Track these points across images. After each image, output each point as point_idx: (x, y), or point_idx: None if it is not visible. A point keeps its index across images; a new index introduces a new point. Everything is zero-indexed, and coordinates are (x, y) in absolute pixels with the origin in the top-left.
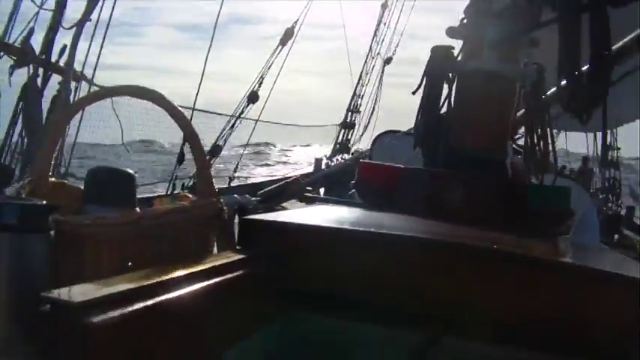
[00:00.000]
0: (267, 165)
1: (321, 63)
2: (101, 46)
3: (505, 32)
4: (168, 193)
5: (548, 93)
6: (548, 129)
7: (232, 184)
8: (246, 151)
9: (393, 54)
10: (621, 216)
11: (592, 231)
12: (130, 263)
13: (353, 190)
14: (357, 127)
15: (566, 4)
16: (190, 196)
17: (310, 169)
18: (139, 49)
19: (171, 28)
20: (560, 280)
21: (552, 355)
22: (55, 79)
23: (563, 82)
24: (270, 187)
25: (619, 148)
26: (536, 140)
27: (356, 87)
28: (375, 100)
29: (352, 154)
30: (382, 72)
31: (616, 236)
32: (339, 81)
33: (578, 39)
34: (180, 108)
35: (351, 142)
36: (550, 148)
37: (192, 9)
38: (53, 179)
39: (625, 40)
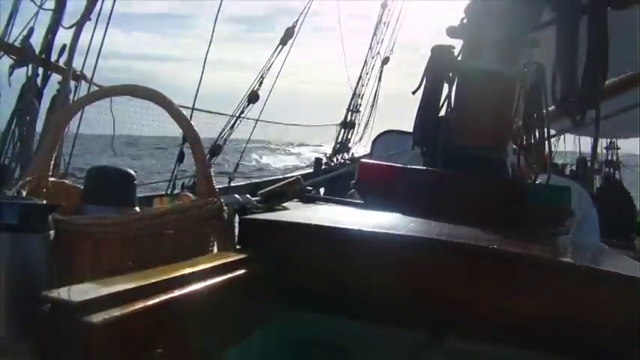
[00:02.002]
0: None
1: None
2: (101, 44)
3: (505, 32)
4: (168, 192)
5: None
6: (546, 128)
7: (232, 184)
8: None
9: (390, 53)
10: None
11: (592, 231)
12: (130, 263)
13: (353, 190)
14: (357, 126)
15: (566, 5)
16: (191, 195)
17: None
18: (189, 41)
19: (221, 21)
20: (560, 279)
21: (553, 355)
22: (55, 78)
23: (558, 83)
24: (270, 188)
25: (619, 148)
26: (533, 139)
27: (356, 87)
28: (374, 99)
29: (352, 154)
30: (381, 72)
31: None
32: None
33: (576, 40)
34: (180, 108)
35: (351, 142)
36: (547, 147)
37: (242, 1)
38: (53, 179)
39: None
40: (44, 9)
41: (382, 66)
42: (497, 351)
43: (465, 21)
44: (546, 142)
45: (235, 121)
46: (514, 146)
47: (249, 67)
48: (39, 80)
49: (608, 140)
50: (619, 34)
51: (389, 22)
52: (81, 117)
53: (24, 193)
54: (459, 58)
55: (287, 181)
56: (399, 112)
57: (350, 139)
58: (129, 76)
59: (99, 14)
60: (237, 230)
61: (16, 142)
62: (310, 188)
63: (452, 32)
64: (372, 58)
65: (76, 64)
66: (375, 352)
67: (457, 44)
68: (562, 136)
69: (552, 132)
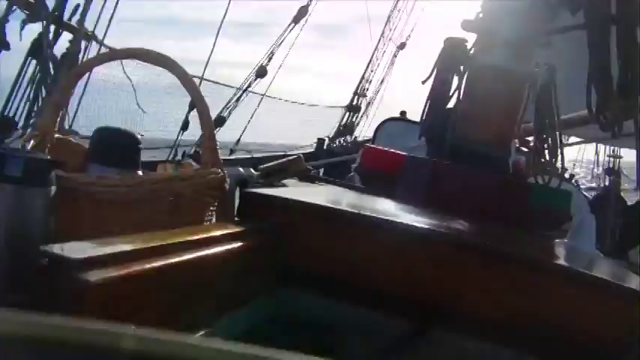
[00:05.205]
0: None
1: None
2: (115, 5)
3: (520, 31)
4: (170, 159)
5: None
6: (557, 131)
7: (233, 157)
8: None
9: (407, 39)
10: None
11: (588, 237)
12: (129, 225)
13: (353, 173)
14: (362, 110)
15: (595, 14)
16: (194, 163)
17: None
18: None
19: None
20: (552, 282)
21: (536, 356)
22: (66, 37)
23: (594, 94)
24: (271, 164)
25: (621, 157)
26: (544, 141)
27: (365, 71)
28: (382, 82)
29: (355, 137)
30: (395, 57)
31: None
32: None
33: (607, 50)
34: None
35: (356, 125)
36: (559, 151)
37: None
38: (58, 135)
39: None
40: None
41: (397, 51)
42: (482, 346)
43: (480, 16)
44: (559, 146)
45: (242, 95)
46: (517, 146)
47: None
48: (50, 37)
49: (612, 148)
50: None
51: (404, 9)
52: (88, 78)
53: (29, 147)
54: (471, 53)
55: (288, 158)
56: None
57: (354, 122)
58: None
59: None
60: (237, 202)
61: (30, 96)
62: (311, 168)
63: (467, 26)
64: (384, 44)
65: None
66: (361, 336)
67: (470, 38)
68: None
69: (577, 139)
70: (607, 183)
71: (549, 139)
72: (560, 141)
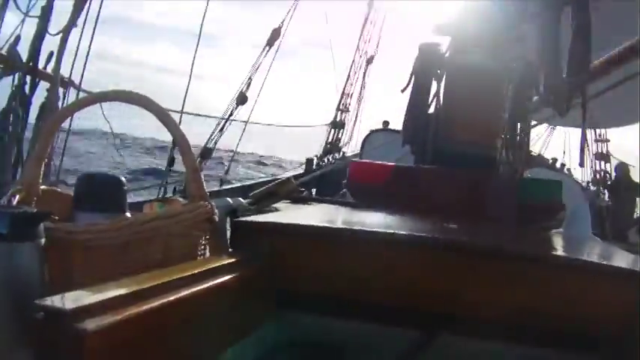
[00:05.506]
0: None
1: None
2: (88, 50)
3: (491, 28)
4: (159, 197)
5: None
6: (528, 122)
7: (224, 187)
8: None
9: (375, 53)
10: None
11: (584, 224)
12: (121, 269)
13: (344, 190)
14: (346, 126)
15: None
16: (181, 199)
17: (301, 170)
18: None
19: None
20: (553, 273)
21: (545, 349)
22: (44, 86)
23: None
24: (261, 189)
25: (608, 140)
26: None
27: (345, 86)
28: (359, 98)
29: (343, 153)
30: (365, 71)
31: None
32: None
33: (558, 31)
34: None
35: (342, 142)
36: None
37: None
38: (44, 187)
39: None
40: (30, 16)
41: (367, 65)
42: (491, 347)
43: (451, 18)
44: (526, 135)
45: (225, 124)
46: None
47: None
48: (27, 88)
49: (597, 132)
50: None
51: (375, 21)
52: (70, 124)
53: (14, 202)
54: (447, 55)
55: (278, 181)
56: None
57: (340, 138)
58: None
59: (98, 16)
60: (229, 233)
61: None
62: (302, 189)
63: (439, 29)
64: (360, 57)
65: (67, 71)
66: (368, 351)
67: (444, 42)
68: (552, 131)
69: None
70: (598, 168)
71: (522, 131)
72: (528, 130)
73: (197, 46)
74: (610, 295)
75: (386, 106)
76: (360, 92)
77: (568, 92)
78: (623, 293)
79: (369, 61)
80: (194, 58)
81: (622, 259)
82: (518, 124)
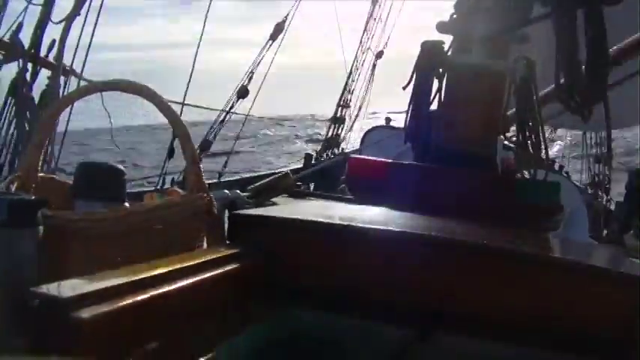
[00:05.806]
0: None
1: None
2: (91, 38)
3: (495, 28)
4: (158, 187)
5: (546, 90)
6: (539, 124)
7: (222, 180)
8: None
9: (384, 48)
10: (611, 211)
11: (581, 226)
12: (119, 258)
13: (343, 185)
14: (347, 122)
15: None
16: (180, 191)
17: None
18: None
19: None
20: (552, 275)
21: (541, 351)
22: (45, 73)
23: (562, 80)
24: (259, 183)
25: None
26: (527, 135)
27: (346, 82)
28: (365, 93)
29: (342, 149)
30: (374, 66)
31: (605, 231)
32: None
33: (575, 35)
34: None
35: (341, 137)
36: (542, 143)
37: None
38: (42, 174)
39: (627, 41)
40: (33, 4)
41: (376, 60)
42: (491, 346)
43: (454, 16)
44: (542, 138)
45: (225, 116)
46: (505, 142)
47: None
48: (28, 76)
49: (598, 136)
50: (620, 34)
51: (380, 17)
52: (70, 112)
53: (13, 189)
54: (449, 54)
55: (276, 175)
56: None
57: (340, 134)
58: (140, 67)
59: (88, 9)
60: (226, 225)
61: (11, 138)
62: (300, 183)
63: (441, 28)
64: (363, 53)
65: (70, 59)
66: (364, 347)
67: (447, 40)
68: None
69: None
70: (596, 170)
71: (532, 132)
72: (543, 132)
73: (198, 46)
74: (610, 297)
75: (389, 102)
76: (368, 87)
77: (590, 97)
78: (623, 296)
79: (379, 55)
80: (196, 55)
81: (621, 262)
82: (528, 125)
